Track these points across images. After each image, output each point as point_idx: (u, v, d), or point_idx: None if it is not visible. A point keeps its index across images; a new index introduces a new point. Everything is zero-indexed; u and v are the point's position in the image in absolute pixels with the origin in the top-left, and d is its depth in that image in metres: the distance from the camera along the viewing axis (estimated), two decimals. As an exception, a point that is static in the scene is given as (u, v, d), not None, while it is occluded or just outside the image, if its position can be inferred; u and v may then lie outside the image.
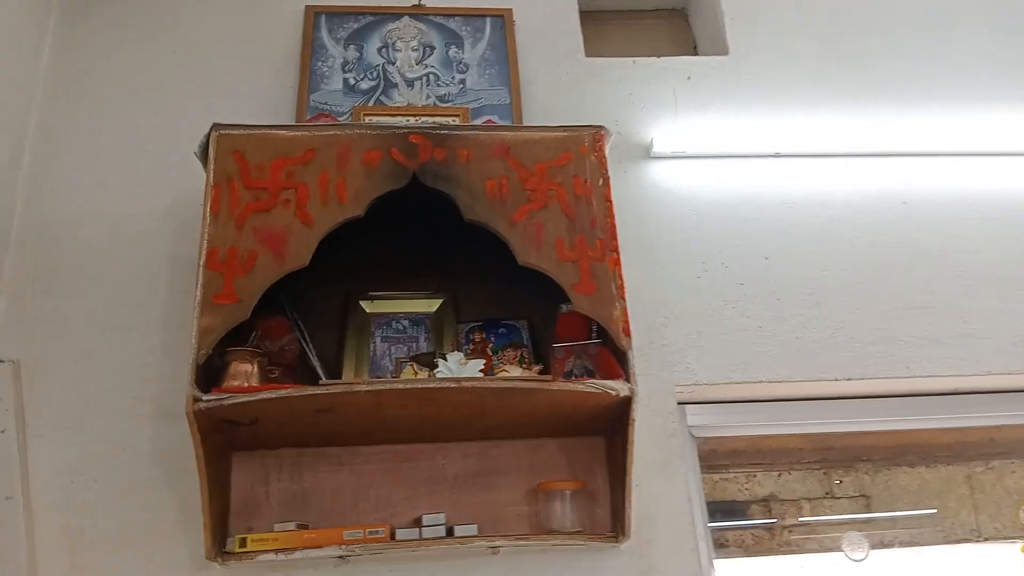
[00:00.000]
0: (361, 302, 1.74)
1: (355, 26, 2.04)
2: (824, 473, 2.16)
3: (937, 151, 2.09)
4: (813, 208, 2.01)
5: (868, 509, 2.23)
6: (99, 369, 1.67)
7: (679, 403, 1.80)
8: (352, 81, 1.97)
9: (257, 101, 1.96)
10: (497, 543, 1.51)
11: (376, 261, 1.76)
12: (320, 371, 1.54)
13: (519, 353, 1.71)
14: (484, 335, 1.73)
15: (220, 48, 2.04)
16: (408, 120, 1.87)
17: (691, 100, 2.11)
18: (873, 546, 2.08)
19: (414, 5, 2.09)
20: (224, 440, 1.49)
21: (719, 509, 1.99)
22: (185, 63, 2.01)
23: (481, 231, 1.52)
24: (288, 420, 1.45)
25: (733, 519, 2.05)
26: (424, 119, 1.87)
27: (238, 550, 1.40)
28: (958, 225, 2.03)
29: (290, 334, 1.59)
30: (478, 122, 1.92)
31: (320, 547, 1.42)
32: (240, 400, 1.33)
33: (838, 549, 2.05)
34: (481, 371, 1.44)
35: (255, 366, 1.43)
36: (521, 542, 1.53)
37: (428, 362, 1.49)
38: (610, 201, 1.58)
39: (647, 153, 2.02)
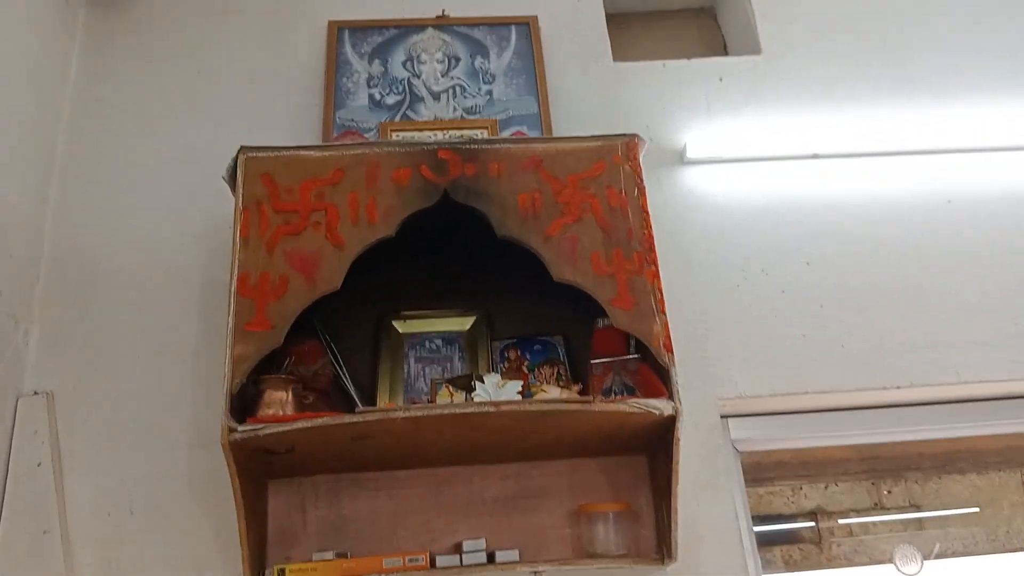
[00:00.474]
0: (394, 322, 1.72)
1: (379, 40, 2.02)
2: (872, 483, 2.10)
3: (983, 146, 2.03)
4: (855, 209, 1.95)
5: (918, 519, 2.17)
6: (133, 398, 1.67)
7: (722, 416, 1.76)
8: (378, 96, 1.95)
9: (283, 120, 1.95)
10: (540, 568, 1.48)
11: (408, 280, 1.74)
12: (355, 396, 1.51)
13: (556, 370, 1.67)
14: (519, 352, 1.70)
15: (245, 68, 2.03)
16: (436, 134, 1.85)
17: (724, 102, 2.06)
18: (924, 556, 2.02)
19: (438, 16, 2.07)
20: (260, 469, 1.47)
21: (766, 523, 1.95)
22: (210, 85, 2.00)
23: (513, 245, 1.49)
24: (324, 447, 1.43)
25: (780, 533, 2.00)
26: (452, 133, 1.85)
27: (277, 581, 1.38)
28: (1007, 222, 1.97)
29: (323, 358, 1.57)
30: (507, 133, 1.89)
31: (360, 577, 1.40)
32: (276, 430, 1.32)
33: (889, 561, 1.99)
34: (519, 392, 1.41)
35: (289, 393, 1.42)
36: (565, 567, 1.50)
37: (464, 385, 1.46)
38: (646, 212, 1.54)
39: (680, 159, 1.98)
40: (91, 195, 1.87)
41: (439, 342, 1.72)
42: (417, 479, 1.59)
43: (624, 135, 1.59)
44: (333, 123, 1.88)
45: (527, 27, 2.07)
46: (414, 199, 1.48)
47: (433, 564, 1.42)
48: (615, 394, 1.54)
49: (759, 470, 1.92)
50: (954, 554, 2.09)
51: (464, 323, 1.74)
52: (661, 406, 1.39)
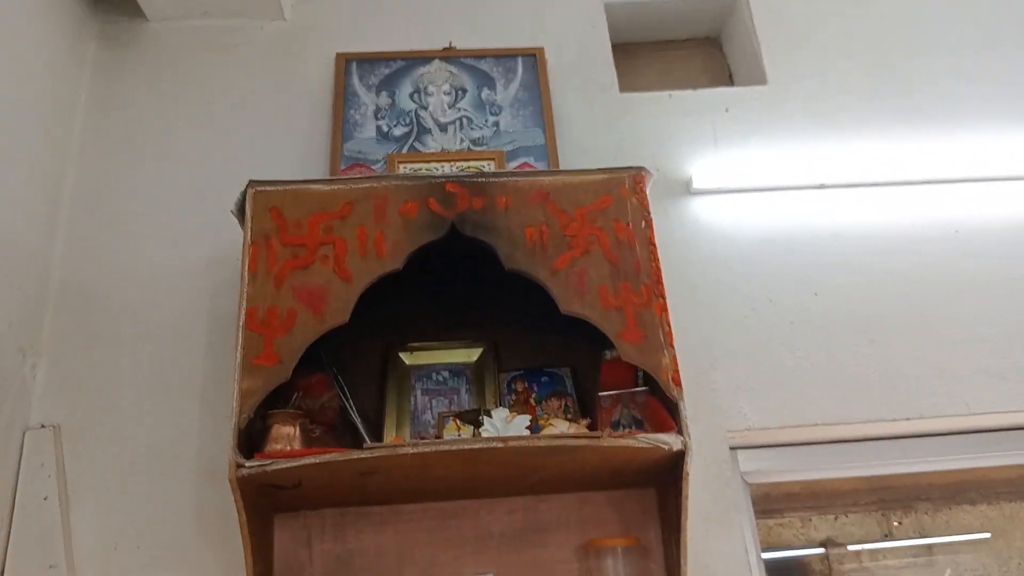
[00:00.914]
0: (401, 354, 1.73)
1: (386, 72, 2.05)
2: (882, 514, 2.09)
3: (990, 176, 2.03)
4: (862, 239, 1.96)
5: (929, 550, 2.15)
6: (140, 432, 1.67)
7: (731, 448, 1.75)
8: (385, 128, 1.97)
9: (291, 152, 1.96)
10: (548, 604, 1.47)
11: (415, 312, 1.75)
12: (363, 429, 1.52)
13: (563, 402, 1.68)
14: (527, 384, 1.71)
15: (252, 101, 2.05)
16: (443, 167, 1.87)
17: (730, 132, 2.08)
18: (936, 587, 2.00)
19: (445, 48, 2.09)
20: (266, 503, 1.47)
21: (775, 554, 1.93)
22: (218, 118, 2.02)
23: (521, 276, 1.49)
24: (331, 482, 1.43)
25: (790, 564, 1.99)
26: (459, 164, 1.86)
27: (283, 619, 1.38)
28: (1015, 251, 1.97)
29: (330, 391, 1.58)
30: (513, 164, 1.91)
31: (367, 614, 1.40)
32: (283, 466, 1.32)
33: (901, 594, 1.97)
34: (527, 427, 1.41)
35: (297, 428, 1.42)
36: (573, 603, 1.49)
37: (472, 419, 1.46)
38: (654, 244, 1.54)
39: (687, 189, 1.99)
40: (99, 228, 1.88)
41: (446, 374, 1.72)
42: (423, 513, 1.59)
43: (631, 168, 1.60)
44: (341, 155, 1.90)
45: (533, 58, 2.09)
46: (422, 232, 1.50)
47: (440, 600, 1.41)
48: (623, 427, 1.54)
49: (768, 502, 1.91)
50: (967, 586, 2.07)
51: (471, 355, 1.75)
52: (670, 441, 1.39)
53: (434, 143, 1.95)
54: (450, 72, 2.06)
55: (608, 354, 1.62)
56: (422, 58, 2.08)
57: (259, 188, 1.52)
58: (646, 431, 1.46)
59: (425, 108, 2.01)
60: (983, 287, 1.92)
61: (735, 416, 1.76)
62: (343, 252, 1.47)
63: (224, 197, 1.60)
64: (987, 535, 2.19)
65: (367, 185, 1.54)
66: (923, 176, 2.02)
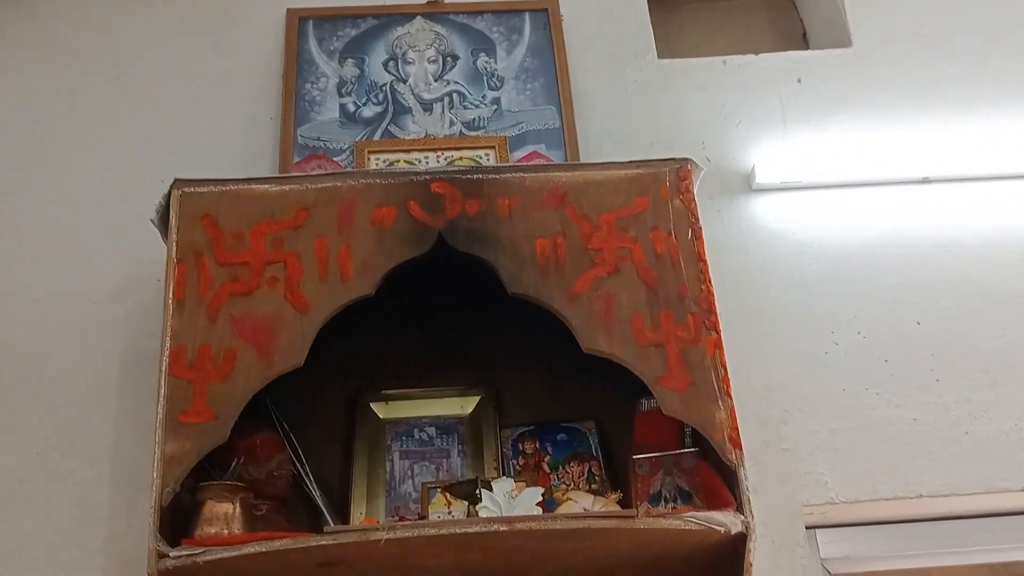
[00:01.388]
0: (372, 404, 1.74)
1: (353, 33, 2.08)
2: (1009, 613, 2.10)
3: None
4: (979, 251, 1.98)
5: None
6: (28, 508, 1.67)
7: (808, 528, 1.77)
8: (351, 107, 1.99)
9: (229, 141, 2.00)
10: None
11: (391, 349, 1.76)
12: (323, 506, 1.53)
13: (586, 468, 1.69)
14: (538, 444, 1.72)
15: (180, 73, 2.09)
16: (427, 159, 1.88)
17: (804, 110, 2.10)
18: None
19: (429, 2, 2.11)
20: (198, 604, 1.48)
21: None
22: (133, 93, 2.05)
23: (529, 303, 1.51)
24: (282, 576, 1.44)
25: None
26: (448, 156, 1.88)
27: None
28: None
29: (280, 454, 1.58)
30: (519, 155, 1.93)
31: None
32: (219, 555, 1.32)
33: None
34: (538, 504, 1.42)
35: (237, 505, 1.43)
36: None
37: (467, 493, 1.47)
38: (704, 260, 1.56)
39: (748, 185, 2.01)
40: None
41: (432, 431, 1.73)
42: (404, 616, 1.60)
43: (673, 160, 1.62)
44: (294, 144, 1.92)
45: (545, 15, 2.11)
46: (400, 247, 1.51)
47: None
48: (666, 502, 1.54)
49: (858, 597, 1.92)
50: None
51: (465, 405, 1.76)
52: (727, 521, 1.39)
53: (415, 127, 1.98)
54: (436, 33, 2.09)
55: (645, 404, 1.63)
56: (400, 15, 2.10)
57: (187, 189, 1.54)
58: (696, 507, 1.46)
59: (404, 81, 2.03)
60: None
61: (813, 486, 1.76)
62: (297, 273, 1.49)
63: (141, 201, 1.63)
64: None
65: (328, 184, 1.55)
66: (1058, 167, 2.04)
